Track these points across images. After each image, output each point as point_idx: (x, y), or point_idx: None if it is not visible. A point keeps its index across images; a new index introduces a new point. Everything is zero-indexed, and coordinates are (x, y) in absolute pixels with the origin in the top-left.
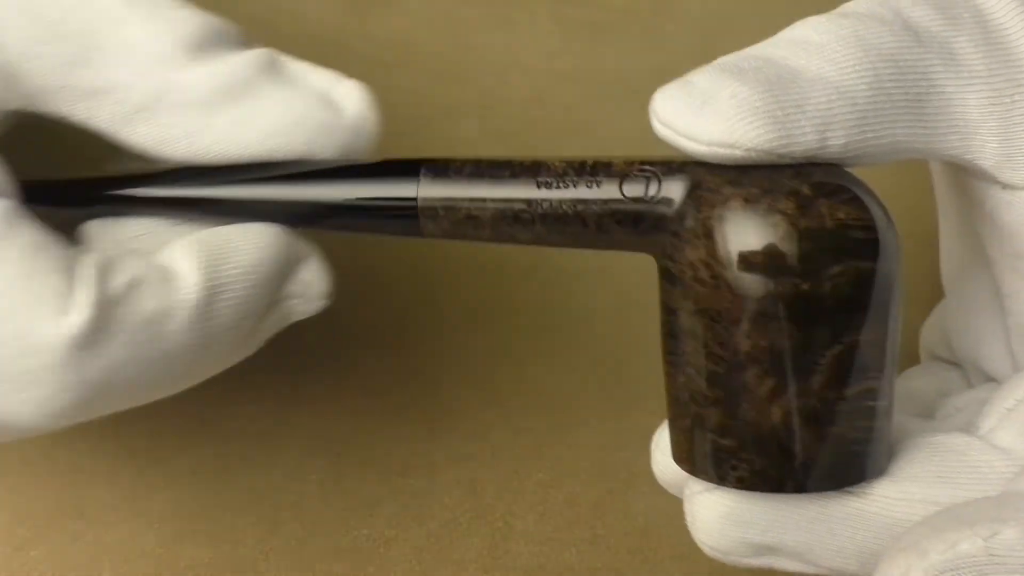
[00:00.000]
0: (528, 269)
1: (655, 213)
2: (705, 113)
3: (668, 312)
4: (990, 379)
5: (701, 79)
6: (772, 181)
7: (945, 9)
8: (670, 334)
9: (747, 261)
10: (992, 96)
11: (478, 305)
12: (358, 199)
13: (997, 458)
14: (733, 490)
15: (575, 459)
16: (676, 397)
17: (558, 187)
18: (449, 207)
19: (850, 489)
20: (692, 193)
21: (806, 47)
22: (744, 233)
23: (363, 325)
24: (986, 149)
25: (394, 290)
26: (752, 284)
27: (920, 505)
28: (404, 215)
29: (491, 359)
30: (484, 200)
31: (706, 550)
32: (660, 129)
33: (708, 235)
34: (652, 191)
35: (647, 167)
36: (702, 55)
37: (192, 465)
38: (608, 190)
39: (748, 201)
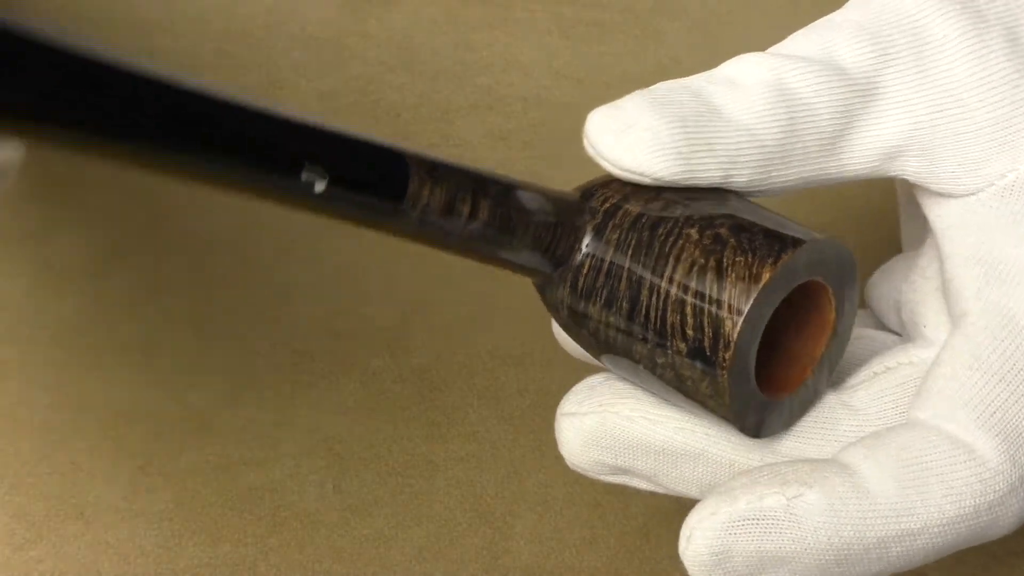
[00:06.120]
0: None
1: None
2: (624, 141)
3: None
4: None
5: (629, 106)
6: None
7: (880, 40)
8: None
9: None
10: (914, 122)
11: (478, 305)
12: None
13: (846, 416)
14: (595, 416)
15: None
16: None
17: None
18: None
19: (694, 430)
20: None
21: (732, 86)
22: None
23: (363, 325)
24: (907, 169)
25: (394, 290)
26: None
27: (758, 453)
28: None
29: (491, 359)
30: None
31: (569, 465)
32: (588, 149)
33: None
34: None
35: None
36: (702, 55)
37: (192, 465)
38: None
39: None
